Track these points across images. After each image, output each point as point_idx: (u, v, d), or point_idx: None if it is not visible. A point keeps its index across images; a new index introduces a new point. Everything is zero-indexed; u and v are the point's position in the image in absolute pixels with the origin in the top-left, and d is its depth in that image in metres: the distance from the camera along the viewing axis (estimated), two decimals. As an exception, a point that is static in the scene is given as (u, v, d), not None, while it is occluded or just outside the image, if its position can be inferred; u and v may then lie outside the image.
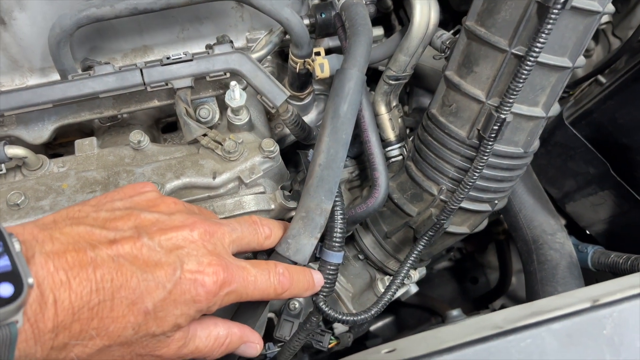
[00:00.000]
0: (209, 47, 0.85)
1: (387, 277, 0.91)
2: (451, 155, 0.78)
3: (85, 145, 0.81)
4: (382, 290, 0.89)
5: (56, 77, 0.90)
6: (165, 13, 0.88)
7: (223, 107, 0.85)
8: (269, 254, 0.71)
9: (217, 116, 0.86)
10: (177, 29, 0.92)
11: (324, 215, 0.71)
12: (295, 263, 0.71)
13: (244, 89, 0.82)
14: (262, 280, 0.61)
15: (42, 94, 0.74)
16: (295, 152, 1.00)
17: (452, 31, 0.87)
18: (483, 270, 1.53)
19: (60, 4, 0.81)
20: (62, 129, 0.83)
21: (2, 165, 0.74)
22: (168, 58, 0.77)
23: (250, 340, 0.65)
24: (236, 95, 0.78)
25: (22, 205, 0.73)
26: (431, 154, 0.80)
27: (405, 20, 1.12)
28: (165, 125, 0.99)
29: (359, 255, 0.94)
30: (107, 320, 0.49)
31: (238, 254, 0.64)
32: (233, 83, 0.75)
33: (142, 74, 0.76)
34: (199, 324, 0.59)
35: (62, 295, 0.46)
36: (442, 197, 0.80)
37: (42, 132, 0.81)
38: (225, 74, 0.79)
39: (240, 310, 0.69)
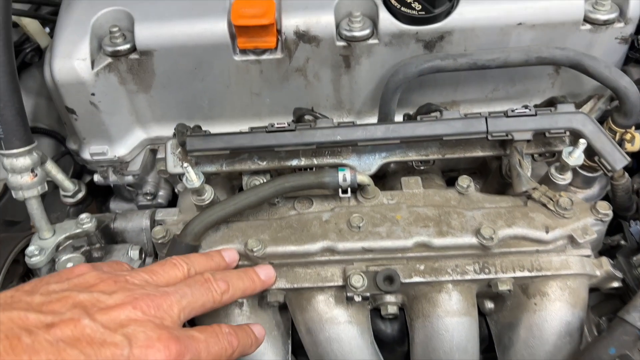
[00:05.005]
0: (525, 106, 0.87)
1: None
2: None
3: (411, 183, 0.85)
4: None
5: (367, 120, 0.98)
6: (485, 72, 0.92)
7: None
8: None
9: (529, 173, 0.86)
10: (489, 88, 0.96)
11: (686, 289, 0.66)
12: (645, 335, 0.66)
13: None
14: (212, 345, 0.60)
15: (394, 130, 0.80)
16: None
17: None
18: None
19: (403, 53, 0.89)
20: (383, 166, 0.89)
21: (349, 189, 0.79)
22: (513, 111, 0.80)
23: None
24: (576, 154, 0.77)
25: (362, 229, 0.77)
26: None
27: None
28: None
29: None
30: None
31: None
32: (583, 141, 0.75)
33: (486, 123, 0.79)
34: None
35: None
36: None
37: (371, 165, 0.86)
38: (564, 132, 0.80)
39: None
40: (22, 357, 0.46)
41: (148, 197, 1.02)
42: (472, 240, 0.76)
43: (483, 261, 0.77)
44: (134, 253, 0.84)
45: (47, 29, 1.13)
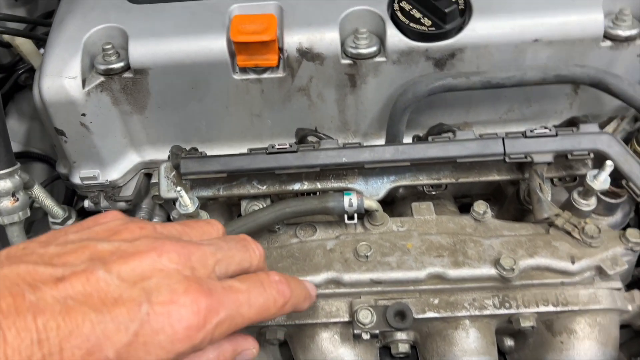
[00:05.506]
0: (545, 127, 0.82)
1: None
2: None
3: (423, 209, 0.79)
4: None
5: (374, 143, 0.93)
6: (499, 92, 0.87)
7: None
8: None
9: (550, 197, 0.80)
10: (504, 108, 0.91)
11: None
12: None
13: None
14: (256, 295, 0.50)
15: (404, 151, 0.74)
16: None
17: None
18: None
19: (412, 72, 0.84)
20: (391, 190, 0.83)
21: (355, 215, 0.73)
22: (531, 131, 0.74)
23: (245, 347, 0.54)
24: (602, 178, 0.71)
25: (370, 258, 0.71)
26: None
27: None
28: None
29: None
30: None
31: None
32: (609, 163, 0.70)
33: (503, 144, 0.74)
34: None
35: None
36: None
37: (379, 190, 0.80)
38: (588, 154, 0.74)
39: None
40: (26, 316, 0.39)
41: (141, 225, 0.96)
42: (491, 271, 0.69)
43: (503, 294, 0.70)
44: (123, 285, 0.78)
45: (42, 50, 1.09)
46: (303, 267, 0.71)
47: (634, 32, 0.81)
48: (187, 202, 0.71)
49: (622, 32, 0.81)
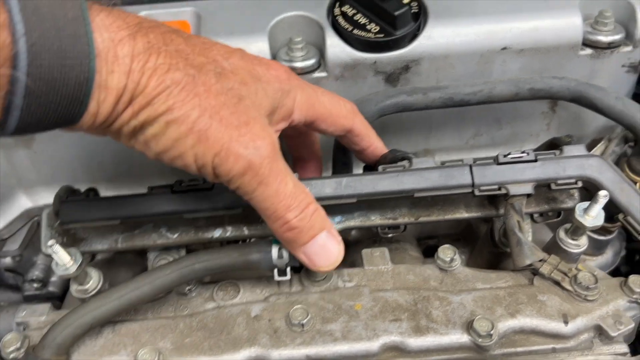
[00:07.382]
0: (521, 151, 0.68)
1: None
2: None
3: (376, 257, 0.62)
4: None
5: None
6: (464, 113, 0.74)
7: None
8: None
9: (530, 237, 0.65)
10: (470, 133, 0.77)
11: None
12: None
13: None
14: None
15: (348, 185, 0.59)
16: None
17: None
18: None
19: (358, 89, 0.70)
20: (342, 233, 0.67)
21: (288, 269, 0.56)
22: (505, 156, 0.60)
23: (334, 233, 0.54)
24: (595, 212, 0.57)
25: (307, 327, 0.54)
26: None
27: None
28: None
29: None
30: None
31: None
32: (604, 193, 0.55)
33: (471, 172, 0.59)
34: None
35: None
36: None
37: (322, 235, 0.64)
38: (575, 183, 0.60)
39: None
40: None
41: (35, 285, 0.78)
42: (463, 337, 0.53)
43: (480, 368, 0.54)
44: (-16, 370, 0.59)
45: None
46: (217, 342, 0.53)
47: (616, 37, 0.69)
48: (65, 259, 0.54)
49: (604, 38, 0.69)
